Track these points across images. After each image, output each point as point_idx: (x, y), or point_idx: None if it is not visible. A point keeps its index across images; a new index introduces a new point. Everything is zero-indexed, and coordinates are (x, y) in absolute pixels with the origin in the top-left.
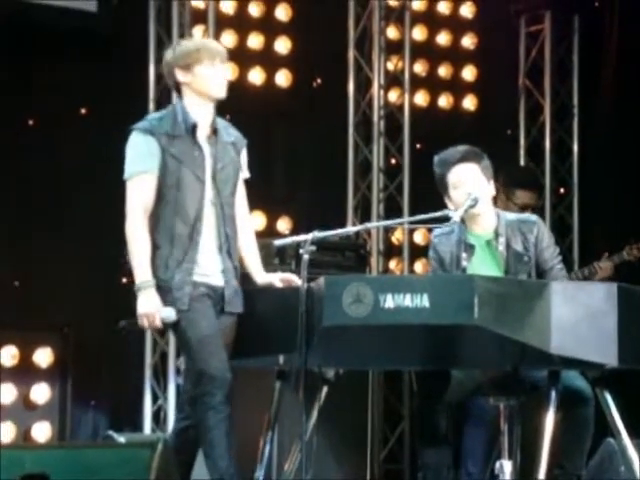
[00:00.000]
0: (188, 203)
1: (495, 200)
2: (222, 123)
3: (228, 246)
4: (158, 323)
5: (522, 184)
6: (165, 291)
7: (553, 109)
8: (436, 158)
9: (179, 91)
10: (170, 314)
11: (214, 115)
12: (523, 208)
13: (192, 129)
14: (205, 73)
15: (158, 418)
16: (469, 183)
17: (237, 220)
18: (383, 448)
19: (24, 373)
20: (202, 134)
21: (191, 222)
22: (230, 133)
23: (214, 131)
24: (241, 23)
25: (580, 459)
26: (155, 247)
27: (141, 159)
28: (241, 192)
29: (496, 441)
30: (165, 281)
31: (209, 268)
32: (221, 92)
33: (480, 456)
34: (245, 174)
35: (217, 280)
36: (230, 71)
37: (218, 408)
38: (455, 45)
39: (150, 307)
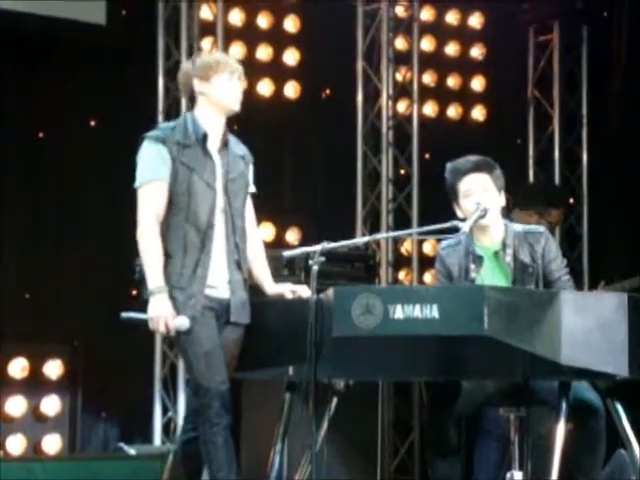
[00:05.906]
0: (199, 210)
1: (524, 218)
2: (232, 137)
3: (238, 257)
4: (171, 327)
5: (559, 204)
6: (179, 299)
7: (562, 119)
8: (448, 166)
9: (193, 101)
10: (184, 322)
11: (225, 128)
12: (553, 224)
13: (203, 139)
14: (223, 84)
15: (168, 430)
16: (479, 193)
17: (246, 232)
18: (393, 459)
19: (34, 385)
20: (213, 145)
21: (203, 229)
22: (240, 147)
23: (225, 143)
24: (249, 35)
25: (594, 472)
26: (168, 255)
27: (152, 167)
28: (249, 206)
29: (508, 454)
30: (179, 289)
31: (217, 279)
32: (236, 105)
33: (492, 470)
34: (252, 189)
35: (223, 292)
36: None
37: (213, 421)
38: (464, 55)
39: (162, 311)
